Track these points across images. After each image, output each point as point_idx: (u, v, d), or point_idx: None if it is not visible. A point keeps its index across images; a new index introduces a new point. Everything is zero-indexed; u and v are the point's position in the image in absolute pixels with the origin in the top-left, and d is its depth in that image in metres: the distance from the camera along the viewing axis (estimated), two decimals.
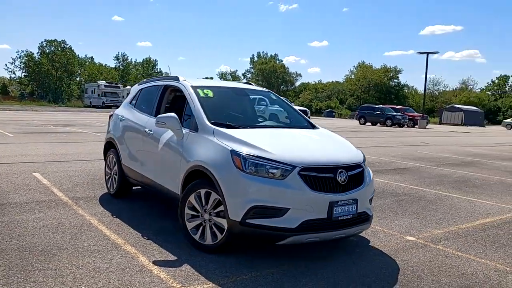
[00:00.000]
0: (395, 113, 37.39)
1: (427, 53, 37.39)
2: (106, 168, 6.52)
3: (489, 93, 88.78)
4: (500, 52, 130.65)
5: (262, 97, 6.58)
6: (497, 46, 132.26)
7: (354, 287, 3.59)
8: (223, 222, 4.04)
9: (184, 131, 4.67)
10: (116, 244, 4.33)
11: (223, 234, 4.05)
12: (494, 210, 6.63)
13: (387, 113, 36.92)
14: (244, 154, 3.94)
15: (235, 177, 3.90)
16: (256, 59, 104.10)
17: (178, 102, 5.60)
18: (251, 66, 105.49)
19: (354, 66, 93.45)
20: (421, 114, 39.86)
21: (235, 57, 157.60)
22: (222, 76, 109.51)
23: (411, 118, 38.18)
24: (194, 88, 5.10)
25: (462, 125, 51.76)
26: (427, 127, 37.62)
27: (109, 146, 6.49)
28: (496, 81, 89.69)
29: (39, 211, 5.39)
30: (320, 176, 3.91)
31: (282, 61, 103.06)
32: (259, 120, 5.43)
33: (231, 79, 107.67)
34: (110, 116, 6.71)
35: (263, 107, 9.81)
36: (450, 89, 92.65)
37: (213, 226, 4.15)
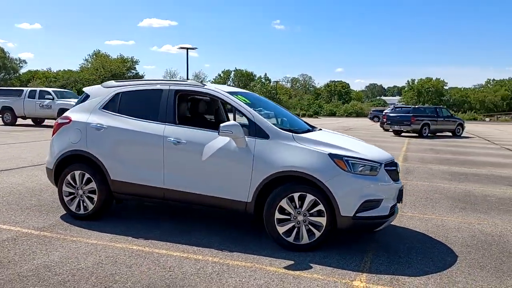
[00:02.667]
0: None
1: (187, 49, 40.04)
2: (66, 188, 5.41)
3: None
4: (209, 47, 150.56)
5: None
6: (206, 42, 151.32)
7: (431, 251, 4.69)
8: (321, 220, 4.45)
9: (246, 139, 4.69)
10: (224, 264, 4.10)
11: (321, 232, 4.46)
12: None
13: None
14: (345, 157, 4.46)
15: (344, 178, 4.38)
16: None
17: (198, 107, 5.34)
18: None
19: (89, 55, 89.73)
20: None
21: None
22: None
23: None
24: (232, 94, 5.07)
25: None
26: None
27: (66, 162, 5.43)
28: (222, 74, 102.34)
29: (43, 251, 4.28)
30: (392, 169, 4.80)
31: None
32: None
33: None
34: (62, 124, 5.54)
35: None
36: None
37: (309, 226, 4.48)
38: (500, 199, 7.50)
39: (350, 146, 4.76)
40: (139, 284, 3.56)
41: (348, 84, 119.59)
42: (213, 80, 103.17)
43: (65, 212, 5.52)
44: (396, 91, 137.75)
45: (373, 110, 51.34)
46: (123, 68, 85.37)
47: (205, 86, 5.21)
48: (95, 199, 5.28)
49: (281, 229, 4.51)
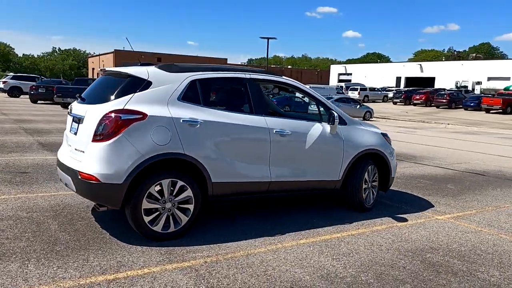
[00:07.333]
0: None
1: None
2: (147, 204, 4.05)
3: None
4: None
5: None
6: None
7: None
8: (377, 184, 5.75)
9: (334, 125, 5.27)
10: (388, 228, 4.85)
11: (376, 193, 5.74)
12: None
13: None
14: (385, 133, 5.93)
15: (390, 149, 5.79)
16: None
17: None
18: None
19: None
20: None
21: None
22: None
23: None
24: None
25: None
26: None
27: (146, 171, 4.11)
28: None
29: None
30: None
31: None
32: None
33: None
34: (131, 121, 3.96)
35: None
36: None
37: (372, 190, 5.71)
38: None
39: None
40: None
41: None
42: None
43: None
44: None
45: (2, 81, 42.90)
46: None
47: (283, 77, 5.23)
48: (191, 209, 4.33)
49: (364, 196, 5.53)
